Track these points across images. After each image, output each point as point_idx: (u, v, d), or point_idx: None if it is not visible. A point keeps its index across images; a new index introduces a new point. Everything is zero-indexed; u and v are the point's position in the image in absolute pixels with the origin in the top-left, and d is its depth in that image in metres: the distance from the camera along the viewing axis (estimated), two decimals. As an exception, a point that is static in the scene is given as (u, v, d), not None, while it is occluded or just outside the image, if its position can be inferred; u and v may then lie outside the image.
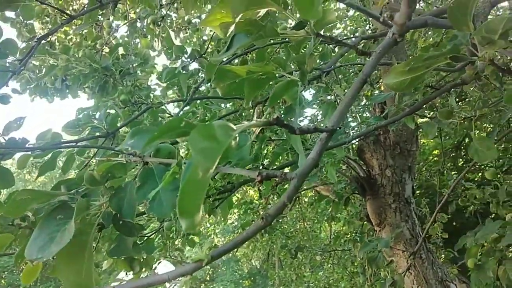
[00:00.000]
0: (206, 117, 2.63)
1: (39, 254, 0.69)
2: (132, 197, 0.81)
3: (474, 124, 1.66)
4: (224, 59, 1.28)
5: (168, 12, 3.10)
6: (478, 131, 3.83)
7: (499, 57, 0.98)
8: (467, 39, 0.86)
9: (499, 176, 2.07)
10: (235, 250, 6.65)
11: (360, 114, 3.79)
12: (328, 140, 0.69)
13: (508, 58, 1.16)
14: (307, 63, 0.95)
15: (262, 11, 0.80)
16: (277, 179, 0.67)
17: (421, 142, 5.64)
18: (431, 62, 0.83)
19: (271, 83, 0.97)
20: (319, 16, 0.50)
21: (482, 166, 3.93)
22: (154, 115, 1.95)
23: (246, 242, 5.87)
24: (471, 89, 1.43)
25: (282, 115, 1.02)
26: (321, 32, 0.87)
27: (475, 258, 1.59)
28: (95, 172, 0.81)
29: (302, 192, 4.89)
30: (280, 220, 5.39)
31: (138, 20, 2.60)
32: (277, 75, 0.95)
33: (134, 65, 2.53)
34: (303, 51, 1.27)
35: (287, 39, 1.33)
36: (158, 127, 0.58)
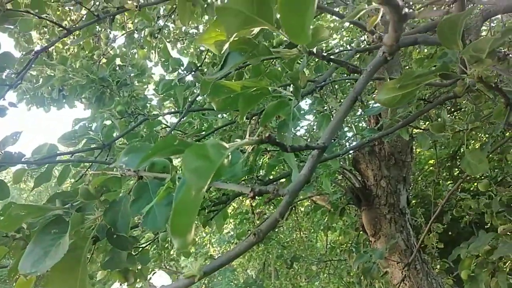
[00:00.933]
0: (203, 127, 2.65)
1: (33, 269, 0.70)
2: (127, 211, 0.82)
3: (467, 136, 1.68)
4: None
5: (165, 22, 3.13)
6: (473, 142, 3.85)
7: (490, 73, 1.00)
8: (456, 56, 0.88)
9: (491, 187, 2.09)
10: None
11: (356, 124, 3.81)
12: (320, 157, 0.70)
13: (496, 73, 1.18)
14: (301, 79, 0.97)
15: (256, 29, 0.81)
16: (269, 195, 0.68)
17: (417, 152, 5.67)
18: (422, 79, 0.85)
19: (266, 97, 0.98)
20: (309, 41, 0.51)
21: (477, 177, 3.96)
22: (150, 126, 1.96)
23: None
24: (464, 102, 1.45)
25: (276, 129, 1.03)
26: (314, 50, 0.88)
27: (469, 270, 1.60)
28: (90, 186, 0.82)
29: (299, 202, 4.89)
30: (277, 230, 5.38)
31: (135, 31, 2.62)
32: (271, 89, 0.97)
33: (131, 75, 2.55)
34: (298, 63, 1.29)
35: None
36: (153, 145, 0.59)
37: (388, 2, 0.43)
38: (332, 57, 0.80)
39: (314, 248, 5.92)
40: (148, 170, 0.84)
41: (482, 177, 3.75)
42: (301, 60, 1.05)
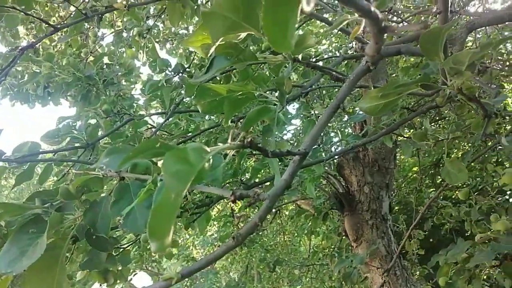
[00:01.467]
0: (190, 128, 2.64)
1: (9, 268, 0.69)
2: (107, 212, 0.81)
3: (449, 146, 1.71)
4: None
5: (155, 22, 3.12)
6: (455, 151, 3.91)
7: (474, 84, 1.02)
8: (437, 68, 0.90)
9: (471, 196, 2.13)
10: (215, 262, 6.60)
11: (342, 130, 3.85)
12: (301, 162, 0.71)
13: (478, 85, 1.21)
14: (286, 85, 0.98)
15: (243, 34, 0.82)
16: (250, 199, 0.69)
17: (401, 159, 5.75)
18: (403, 89, 0.86)
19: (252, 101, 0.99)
20: (291, 49, 0.52)
21: (459, 185, 4.03)
22: (136, 127, 1.95)
23: (226, 254, 5.81)
24: (446, 111, 1.48)
25: (261, 134, 1.04)
26: (299, 57, 0.90)
27: (446, 277, 1.63)
28: (70, 186, 0.81)
29: (283, 206, 4.91)
30: (260, 233, 5.39)
31: (124, 30, 2.60)
32: (257, 94, 0.98)
33: (118, 74, 2.53)
34: (286, 67, 1.30)
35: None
36: (134, 147, 0.59)
37: (368, 15, 0.44)
38: (318, 64, 0.82)
39: (297, 252, 5.94)
40: (130, 171, 0.84)
41: (464, 186, 3.82)
42: (288, 65, 1.06)
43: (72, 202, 0.89)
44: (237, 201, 0.66)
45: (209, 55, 0.84)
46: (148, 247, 2.75)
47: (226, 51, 0.75)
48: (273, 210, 4.99)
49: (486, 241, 1.49)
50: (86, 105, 2.33)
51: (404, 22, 3.97)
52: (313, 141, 0.70)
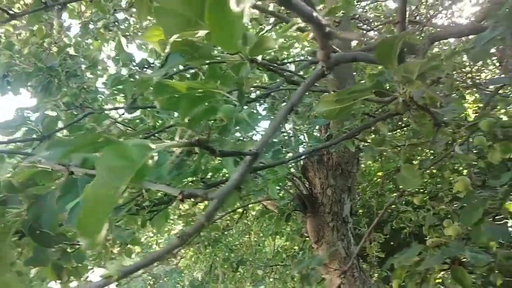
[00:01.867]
0: (157, 124, 2.60)
1: None
2: (53, 207, 0.79)
3: (410, 153, 1.76)
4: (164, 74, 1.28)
5: (126, 16, 3.05)
6: (418, 158, 4.04)
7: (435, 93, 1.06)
8: (391, 76, 0.92)
9: (426, 201, 2.20)
10: (178, 260, 6.52)
11: (310, 133, 3.90)
12: (252, 163, 0.71)
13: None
14: (245, 85, 0.98)
15: (202, 32, 0.81)
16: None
17: (367, 164, 5.87)
18: (357, 95, 0.88)
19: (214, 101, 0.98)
20: (238, 49, 0.52)
21: (420, 191, 4.16)
22: (97, 120, 1.90)
23: (190, 254, 5.72)
24: (404, 119, 1.53)
25: (219, 133, 1.04)
26: (259, 58, 0.90)
27: (400, 280, 1.68)
28: (13, 179, 0.78)
29: (250, 206, 4.92)
30: (226, 233, 5.37)
31: (90, 22, 2.54)
32: (218, 93, 0.97)
33: (82, 67, 2.46)
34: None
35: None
36: (76, 140, 0.58)
37: (310, 20, 0.44)
38: (275, 65, 0.82)
39: (262, 252, 5.97)
40: (81, 166, 0.82)
41: (424, 192, 3.94)
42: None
43: (17, 195, 0.85)
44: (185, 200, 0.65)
45: (166, 51, 0.83)
46: (106, 244, 2.69)
47: (182, 48, 0.74)
48: (240, 210, 4.99)
49: (438, 246, 1.54)
50: (46, 96, 2.25)
51: (374, 30, 4.07)
52: (265, 142, 0.71)
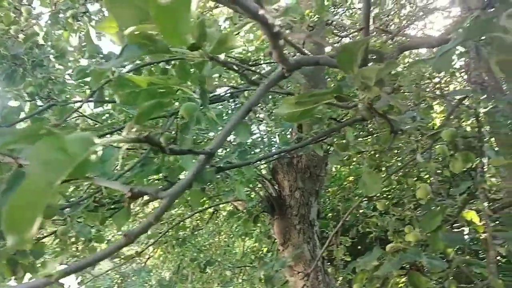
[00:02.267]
0: (127, 119, 2.55)
1: None
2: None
3: (379, 159, 1.78)
4: (121, 68, 1.25)
5: (101, 8, 2.98)
6: (387, 164, 4.12)
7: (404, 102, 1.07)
8: (351, 81, 0.93)
9: (389, 207, 2.25)
10: (146, 259, 6.41)
11: (283, 135, 3.91)
12: (206, 162, 0.70)
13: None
14: (207, 83, 0.97)
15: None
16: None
17: (338, 168, 5.95)
18: (317, 98, 0.88)
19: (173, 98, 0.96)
20: (185, 44, 0.51)
21: (386, 196, 4.25)
22: (61, 113, 1.84)
23: (158, 253, 5.61)
24: (369, 125, 1.55)
25: (180, 131, 1.02)
26: (221, 56, 0.89)
27: (361, 284, 1.70)
28: (-46, 170, 0.74)
29: (221, 206, 4.89)
30: (196, 233, 5.33)
31: (60, 11, 2.46)
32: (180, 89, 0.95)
33: (50, 57, 2.39)
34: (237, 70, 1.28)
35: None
36: (16, 131, 0.55)
37: (256, 17, 0.44)
38: (234, 64, 0.81)
39: (232, 253, 5.95)
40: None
41: (390, 197, 4.01)
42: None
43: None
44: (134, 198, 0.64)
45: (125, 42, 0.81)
46: (70, 241, 2.61)
47: (139, 40, 0.72)
48: (210, 210, 4.96)
49: (397, 251, 1.57)
50: (10, 85, 2.17)
51: (349, 37, 4.13)
52: (221, 142, 0.70)
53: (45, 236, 2.00)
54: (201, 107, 0.99)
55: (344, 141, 1.50)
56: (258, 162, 1.81)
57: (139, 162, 1.45)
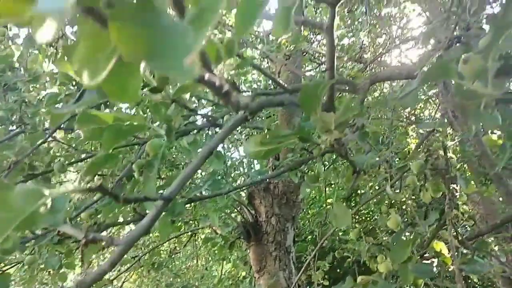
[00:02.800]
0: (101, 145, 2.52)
1: None
2: None
3: (353, 188, 1.79)
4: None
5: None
6: (364, 188, 4.14)
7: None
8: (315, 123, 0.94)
9: (361, 235, 2.26)
10: (122, 284, 6.24)
11: (263, 162, 3.92)
12: (164, 208, 0.69)
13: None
14: (174, 120, 0.97)
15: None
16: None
17: (317, 188, 5.97)
18: (281, 139, 0.90)
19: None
20: (137, 100, 0.51)
21: (367, 219, 4.28)
22: (33, 139, 1.81)
23: (133, 277, 5.44)
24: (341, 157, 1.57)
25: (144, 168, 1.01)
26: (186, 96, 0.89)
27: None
28: None
29: (200, 229, 4.84)
30: (173, 256, 5.23)
31: (36, 34, 2.44)
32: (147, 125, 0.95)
33: (23, 80, 2.36)
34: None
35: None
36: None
37: (201, 82, 0.44)
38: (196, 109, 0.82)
39: (210, 277, 5.85)
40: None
41: (366, 225, 4.03)
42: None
43: None
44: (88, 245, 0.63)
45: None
46: (38, 270, 2.53)
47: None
48: (189, 233, 4.89)
49: (367, 283, 1.57)
50: (-20, 109, 2.13)
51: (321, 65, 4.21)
52: (179, 187, 0.70)
53: (12, 266, 1.93)
54: (167, 144, 0.99)
55: (314, 172, 1.51)
56: (232, 191, 1.81)
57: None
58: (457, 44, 1.55)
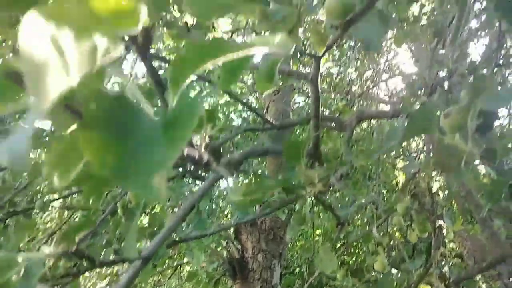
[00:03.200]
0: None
1: None
2: None
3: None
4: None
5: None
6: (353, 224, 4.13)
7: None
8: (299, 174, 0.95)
9: (348, 277, 2.23)
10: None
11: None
12: (142, 267, 0.68)
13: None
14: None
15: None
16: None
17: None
18: (265, 189, 0.89)
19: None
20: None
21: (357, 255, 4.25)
22: (15, 175, 1.78)
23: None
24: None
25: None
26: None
27: None
28: None
29: (185, 261, 4.73)
30: (158, 289, 5.09)
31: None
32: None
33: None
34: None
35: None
36: None
37: (182, 158, 0.45)
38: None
39: (195, 310, 5.67)
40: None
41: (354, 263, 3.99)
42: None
43: None
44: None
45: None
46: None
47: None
48: (174, 264, 4.78)
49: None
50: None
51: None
52: (156, 246, 0.68)
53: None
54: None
55: (300, 214, 1.50)
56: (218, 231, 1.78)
57: (90, 233, 1.40)
58: (439, 88, 1.59)
